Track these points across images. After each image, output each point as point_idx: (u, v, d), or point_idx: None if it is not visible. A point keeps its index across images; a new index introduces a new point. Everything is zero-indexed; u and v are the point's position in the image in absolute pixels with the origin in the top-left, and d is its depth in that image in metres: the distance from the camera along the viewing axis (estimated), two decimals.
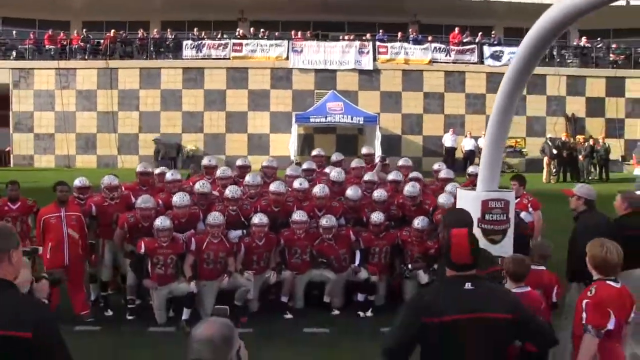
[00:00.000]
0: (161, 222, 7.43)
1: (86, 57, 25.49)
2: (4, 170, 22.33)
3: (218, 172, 8.90)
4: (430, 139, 24.52)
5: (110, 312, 7.96)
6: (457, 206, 5.85)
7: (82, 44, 25.69)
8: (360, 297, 8.05)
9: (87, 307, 7.74)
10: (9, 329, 2.43)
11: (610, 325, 3.72)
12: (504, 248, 5.37)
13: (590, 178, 21.40)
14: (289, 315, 7.83)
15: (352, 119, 21.97)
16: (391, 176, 9.01)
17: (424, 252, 8.03)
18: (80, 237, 7.69)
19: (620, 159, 24.58)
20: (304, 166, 9.52)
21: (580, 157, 22.26)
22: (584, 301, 3.80)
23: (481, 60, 24.69)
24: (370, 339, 7.03)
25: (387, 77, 24.27)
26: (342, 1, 26.73)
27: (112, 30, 26.15)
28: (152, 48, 25.77)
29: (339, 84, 24.04)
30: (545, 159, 22.35)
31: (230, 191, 8.04)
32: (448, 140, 23.76)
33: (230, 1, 27.56)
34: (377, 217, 7.99)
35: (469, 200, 5.48)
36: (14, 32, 28.05)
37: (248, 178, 8.50)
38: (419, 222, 7.95)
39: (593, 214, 5.86)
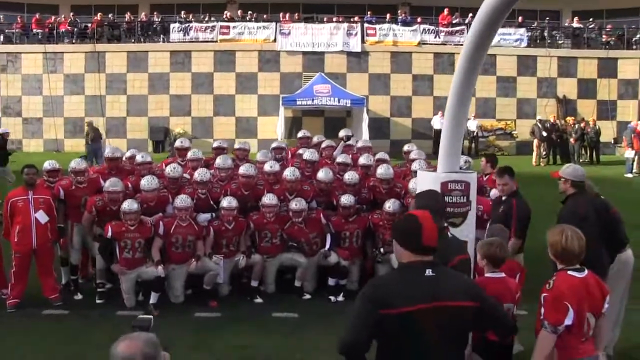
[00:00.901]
0: (128, 205, 7.37)
1: (74, 41, 25.27)
2: None
3: (189, 154, 8.82)
4: (419, 122, 24.40)
5: (79, 296, 7.93)
6: (418, 189, 5.72)
7: (69, 27, 25.48)
8: (331, 281, 8.01)
9: (56, 291, 7.70)
10: None
11: (568, 321, 3.50)
12: (465, 232, 5.27)
13: (580, 161, 21.31)
14: (259, 300, 7.79)
15: (339, 102, 21.81)
16: (362, 160, 8.89)
17: None
18: (50, 220, 7.63)
19: (612, 142, 24.48)
20: (274, 145, 9.40)
21: (571, 139, 22.17)
22: (542, 295, 3.59)
23: None
24: (341, 324, 6.97)
25: (376, 59, 24.09)
26: None
27: (99, 14, 25.92)
28: (139, 31, 25.53)
29: (327, 67, 23.86)
30: (535, 142, 22.26)
31: (199, 174, 7.96)
32: (437, 122, 23.55)
33: None
34: (347, 199, 7.92)
35: (428, 182, 5.38)
36: (1, 16, 27.85)
37: (218, 161, 8.43)
38: (390, 205, 7.86)
39: (581, 196, 5.58)
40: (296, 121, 23.82)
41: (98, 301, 7.72)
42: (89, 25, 25.69)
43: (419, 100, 24.48)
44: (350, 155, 9.19)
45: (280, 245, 8.00)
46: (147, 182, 7.71)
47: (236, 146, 9.40)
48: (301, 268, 7.94)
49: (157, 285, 7.37)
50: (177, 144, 9.29)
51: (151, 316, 2.47)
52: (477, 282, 3.95)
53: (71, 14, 26.78)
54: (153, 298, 7.35)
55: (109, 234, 7.38)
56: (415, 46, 24.24)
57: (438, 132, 23.40)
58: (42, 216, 7.54)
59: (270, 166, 8.36)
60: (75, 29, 25.49)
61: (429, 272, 2.96)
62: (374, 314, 2.90)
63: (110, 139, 24.29)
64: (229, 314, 7.34)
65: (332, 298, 7.82)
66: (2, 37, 25.85)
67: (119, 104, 24.79)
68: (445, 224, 4.03)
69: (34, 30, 25.63)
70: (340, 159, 8.88)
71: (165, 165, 8.66)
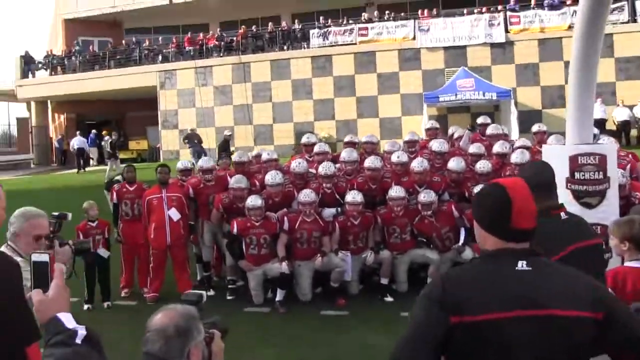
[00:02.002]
0: (252, 201, 7.32)
1: (221, 54, 26.49)
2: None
3: (315, 148, 8.64)
4: None
5: (212, 292, 8.01)
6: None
7: (217, 42, 26.79)
8: None
9: (189, 286, 7.82)
10: None
11: None
12: (604, 214, 4.45)
13: None
14: (389, 299, 7.39)
15: (484, 95, 20.68)
16: (497, 147, 8.14)
17: None
18: (182, 217, 7.81)
19: None
20: (406, 138, 8.90)
21: None
22: None
23: (633, 19, 22.08)
24: None
25: (522, 49, 22.54)
26: None
27: (243, 27, 26.99)
28: (281, 40, 26.18)
29: (470, 60, 22.76)
30: None
31: (324, 168, 7.74)
32: (597, 110, 21.54)
33: None
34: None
35: (554, 157, 4.54)
36: (160, 38, 30.10)
37: (344, 154, 8.17)
38: None
39: None
40: (441, 119, 22.98)
41: (228, 297, 7.77)
42: (235, 38, 26.78)
43: None
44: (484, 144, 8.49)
45: (411, 241, 7.54)
46: (271, 177, 7.63)
47: (363, 139, 9.07)
48: (433, 265, 7.41)
49: (283, 282, 7.24)
50: (304, 139, 9.14)
51: (203, 292, 2.24)
52: (610, 276, 3.17)
53: (218, 29, 28.13)
54: (279, 295, 7.24)
55: (235, 230, 7.37)
56: (566, 30, 22.38)
57: (599, 122, 21.42)
58: (174, 213, 7.75)
59: (397, 156, 7.93)
60: (222, 43, 26.71)
61: (522, 265, 2.05)
62: (441, 323, 2.01)
63: (258, 146, 25.13)
64: (357, 312, 7.02)
65: None
66: (160, 57, 27.82)
67: (265, 112, 25.54)
68: (561, 204, 3.04)
69: (187, 47, 27.27)
70: (472, 148, 8.22)
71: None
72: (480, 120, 9.89)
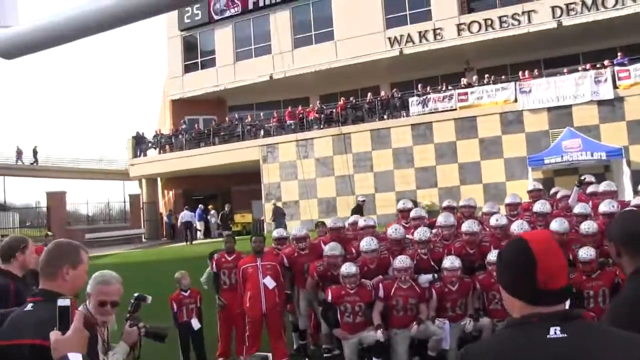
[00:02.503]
0: (346, 268, 7.26)
1: (322, 126, 27.13)
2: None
3: (411, 214, 8.53)
4: None
5: None
6: None
7: (317, 115, 27.50)
8: None
9: (285, 356, 7.82)
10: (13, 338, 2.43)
11: None
12: None
13: None
14: None
15: (592, 155, 19.75)
16: (603, 207, 7.64)
17: None
18: (277, 285, 7.88)
19: None
20: (507, 200, 8.57)
21: None
22: None
23: None
24: None
25: (633, 104, 21.44)
26: (576, 30, 24.85)
27: (342, 98, 27.61)
28: (381, 110, 26.50)
29: (576, 120, 21.89)
30: None
31: (419, 233, 7.61)
32: None
33: (456, 52, 27.45)
34: (586, 253, 6.83)
35: None
36: (262, 114, 31.40)
37: (440, 218, 8.00)
38: None
39: None
40: (547, 182, 22.10)
41: None
42: (334, 110, 27.41)
43: None
44: (590, 203, 8.02)
45: None
46: (367, 243, 7.58)
47: (461, 203, 8.88)
48: None
49: (379, 350, 7.03)
50: (400, 205, 9.07)
51: (268, 354, 2.25)
52: None
53: (318, 102, 28.95)
54: None
55: (330, 298, 7.32)
56: None
57: None
58: (269, 282, 7.82)
59: (496, 219, 7.68)
60: (322, 115, 27.39)
61: (555, 331, 1.73)
62: None
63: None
64: None
65: None
66: (262, 131, 28.87)
67: (366, 182, 25.63)
68: None
69: (288, 121, 28.18)
70: (577, 209, 7.78)
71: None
72: (587, 179, 9.38)
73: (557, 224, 7.28)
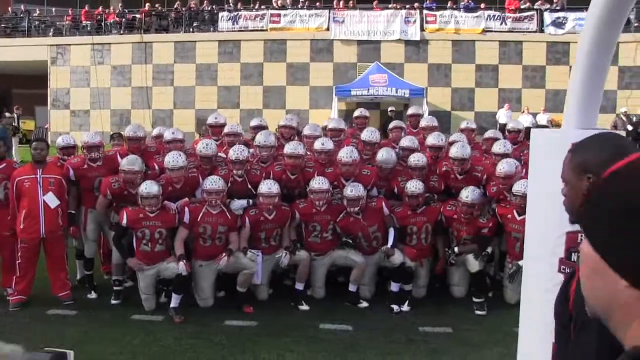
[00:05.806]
0: (146, 187, 6.07)
1: (121, 32, 24.61)
2: None
3: (225, 129, 7.47)
4: (482, 115, 22.47)
5: (94, 295, 6.72)
6: (532, 154, 3.65)
7: (117, 19, 24.92)
8: (394, 286, 6.52)
9: (66, 288, 6.52)
10: None
11: None
12: None
13: None
14: (304, 307, 6.36)
15: (397, 92, 20.21)
16: (430, 140, 7.23)
17: (475, 233, 6.46)
18: (61, 204, 6.40)
19: None
20: (331, 125, 7.81)
21: None
22: None
23: (541, 29, 22.46)
24: (405, 340, 5.53)
25: (436, 48, 22.34)
26: None
27: (147, 4, 25.23)
28: (187, 21, 24.64)
29: (384, 56, 22.28)
30: None
31: (235, 151, 6.57)
32: (503, 116, 21.71)
33: None
34: (414, 186, 6.42)
35: (551, 144, 3.24)
36: (53, 10, 27.66)
37: (259, 137, 6.96)
38: (468, 194, 6.37)
39: None
40: (350, 114, 22.34)
41: (113, 302, 6.50)
42: (137, 16, 25.00)
43: (482, 93, 22.57)
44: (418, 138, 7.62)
45: (332, 241, 6.57)
46: (172, 158, 6.39)
47: (281, 122, 7.98)
48: (357, 269, 6.47)
49: (180, 285, 6.03)
50: (211, 119, 7.86)
51: (70, 351, 1.71)
52: None
53: (120, 5, 26.15)
54: (174, 301, 6.03)
55: (124, 221, 6.10)
56: (479, 34, 22.38)
57: (504, 127, 21.55)
58: (51, 199, 6.32)
59: (322, 143, 6.87)
60: (123, 20, 24.84)
61: None
62: None
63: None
64: (267, 323, 5.96)
65: (395, 307, 6.31)
66: (53, 30, 25.56)
67: (165, 96, 23.96)
68: None
69: (83, 22, 25.18)
70: (404, 142, 7.29)
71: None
72: (411, 110, 9.04)
73: (385, 154, 6.76)
